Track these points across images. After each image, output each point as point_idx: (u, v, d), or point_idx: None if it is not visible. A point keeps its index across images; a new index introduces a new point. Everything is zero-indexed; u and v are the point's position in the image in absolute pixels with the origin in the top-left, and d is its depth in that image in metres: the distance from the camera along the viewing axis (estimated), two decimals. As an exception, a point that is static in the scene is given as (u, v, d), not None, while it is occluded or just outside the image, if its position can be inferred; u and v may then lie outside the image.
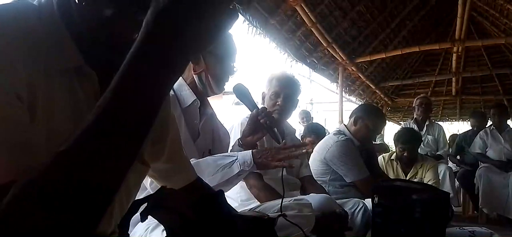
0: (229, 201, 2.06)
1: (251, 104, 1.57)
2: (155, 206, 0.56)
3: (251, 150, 1.46)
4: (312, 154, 2.72)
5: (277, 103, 2.07)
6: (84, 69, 0.68)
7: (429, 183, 3.14)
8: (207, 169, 1.42)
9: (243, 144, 1.58)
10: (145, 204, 0.56)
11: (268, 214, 0.91)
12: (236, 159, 1.44)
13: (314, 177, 2.48)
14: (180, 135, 1.07)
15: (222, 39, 1.54)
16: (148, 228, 1.31)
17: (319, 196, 1.79)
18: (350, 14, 4.94)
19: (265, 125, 1.52)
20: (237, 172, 1.43)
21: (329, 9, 4.58)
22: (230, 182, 1.47)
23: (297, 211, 1.44)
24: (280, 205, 1.58)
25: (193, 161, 1.36)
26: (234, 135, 1.87)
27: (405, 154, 3.38)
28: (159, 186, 0.62)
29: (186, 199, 0.61)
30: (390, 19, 5.56)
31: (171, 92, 1.53)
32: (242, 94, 1.57)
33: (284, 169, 2.10)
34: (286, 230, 1.23)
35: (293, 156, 1.50)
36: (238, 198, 2.06)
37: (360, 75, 6.25)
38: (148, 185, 1.22)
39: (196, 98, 1.55)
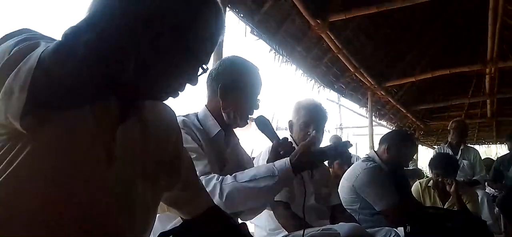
0: (257, 230, 2.08)
1: (272, 135, 1.59)
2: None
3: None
4: (341, 182, 2.68)
5: (308, 133, 2.08)
6: (108, 102, 0.75)
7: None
8: (244, 181, 1.44)
9: None
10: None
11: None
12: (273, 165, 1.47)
13: (345, 206, 2.44)
14: (194, 164, 1.11)
15: (251, 73, 1.61)
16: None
17: (348, 225, 1.75)
18: (376, 39, 4.91)
19: (286, 156, 1.52)
20: (276, 180, 1.44)
21: (354, 34, 4.58)
22: (268, 192, 1.48)
23: (324, 240, 1.41)
24: (309, 234, 1.57)
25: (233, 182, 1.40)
26: (262, 162, 1.88)
27: (440, 180, 3.25)
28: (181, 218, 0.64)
29: (210, 231, 0.62)
30: (417, 41, 5.48)
31: (197, 123, 1.57)
32: (264, 126, 1.59)
33: (314, 197, 2.10)
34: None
35: None
36: (266, 227, 2.05)
37: (390, 100, 6.16)
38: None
39: (221, 128, 1.58)
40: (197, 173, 1.37)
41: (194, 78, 0.85)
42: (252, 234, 2.17)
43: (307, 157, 1.48)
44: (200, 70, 0.86)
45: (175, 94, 0.85)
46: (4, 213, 0.68)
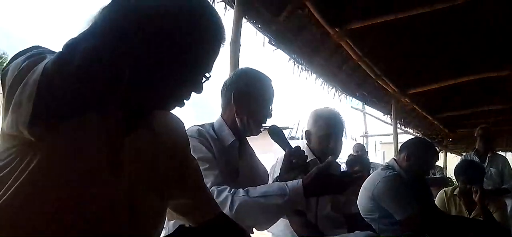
0: (274, 238, 2.08)
1: (284, 144, 1.60)
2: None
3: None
4: (360, 191, 2.65)
5: (329, 146, 2.08)
6: (115, 112, 0.79)
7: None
8: (255, 196, 1.46)
9: (280, 182, 1.59)
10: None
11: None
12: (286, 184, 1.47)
13: (363, 215, 2.41)
14: (202, 173, 1.13)
15: (264, 83, 1.64)
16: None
17: (363, 234, 1.74)
18: (398, 45, 4.83)
19: (297, 165, 1.53)
20: (286, 199, 1.44)
21: (375, 41, 4.51)
22: (277, 210, 1.50)
23: (339, 249, 1.40)
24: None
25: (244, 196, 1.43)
26: (277, 171, 1.89)
27: (467, 188, 3.14)
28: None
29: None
30: (443, 48, 5.35)
31: (212, 133, 1.61)
32: (276, 135, 1.61)
33: (330, 205, 2.09)
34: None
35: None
36: (283, 236, 2.05)
37: (415, 107, 6.03)
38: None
39: (235, 138, 1.62)
40: (209, 183, 1.41)
41: (199, 86, 0.87)
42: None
43: (322, 182, 1.46)
44: (204, 79, 0.88)
45: (180, 103, 0.87)
46: (17, 219, 0.72)
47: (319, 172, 1.45)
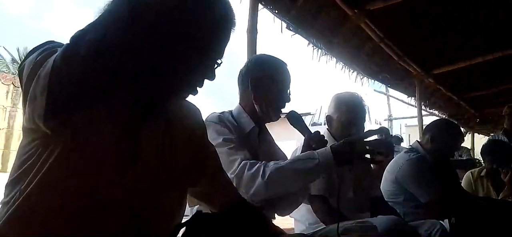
0: (297, 224, 2.09)
1: (304, 129, 1.60)
2: (193, 230, 0.60)
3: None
4: (384, 174, 2.61)
5: (351, 131, 2.06)
6: (130, 102, 0.80)
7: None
8: (286, 162, 1.51)
9: None
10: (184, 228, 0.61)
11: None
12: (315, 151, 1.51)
13: (387, 198, 2.38)
14: (219, 159, 1.14)
15: (280, 67, 1.63)
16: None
17: (386, 218, 1.71)
18: (421, 24, 4.68)
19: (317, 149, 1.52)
20: (316, 162, 1.47)
21: (396, 21, 4.39)
22: (308, 173, 1.52)
23: (360, 234, 1.39)
24: (343, 227, 1.55)
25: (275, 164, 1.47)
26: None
27: (495, 167, 3.05)
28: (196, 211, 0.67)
29: (224, 222, 0.65)
30: (467, 25, 5.15)
31: (232, 120, 1.61)
32: (295, 121, 1.62)
33: (352, 190, 2.07)
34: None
35: None
36: (305, 221, 2.05)
37: (440, 87, 5.87)
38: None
39: (254, 125, 1.62)
40: (239, 159, 1.43)
41: (211, 73, 0.87)
42: (292, 229, 2.19)
43: (349, 148, 1.49)
44: (216, 64, 0.87)
45: (194, 91, 0.88)
46: (39, 208, 0.75)
47: (347, 140, 1.51)
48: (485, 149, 3.21)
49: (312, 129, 1.65)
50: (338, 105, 2.12)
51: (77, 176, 0.76)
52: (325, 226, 1.86)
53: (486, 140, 6.70)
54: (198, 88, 0.88)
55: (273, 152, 1.72)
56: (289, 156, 1.83)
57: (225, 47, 0.88)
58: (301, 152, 1.60)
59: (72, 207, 0.76)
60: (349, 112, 2.08)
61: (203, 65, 0.85)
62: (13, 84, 9.45)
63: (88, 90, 0.67)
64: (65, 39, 0.77)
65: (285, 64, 1.68)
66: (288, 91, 1.66)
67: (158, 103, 0.89)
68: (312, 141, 1.56)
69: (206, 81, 0.88)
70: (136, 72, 0.71)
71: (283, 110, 1.68)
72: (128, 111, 0.82)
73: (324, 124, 2.20)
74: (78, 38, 0.65)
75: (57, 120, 0.69)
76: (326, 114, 2.21)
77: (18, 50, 14.74)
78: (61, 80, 0.64)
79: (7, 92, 9.48)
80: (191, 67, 0.84)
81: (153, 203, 0.85)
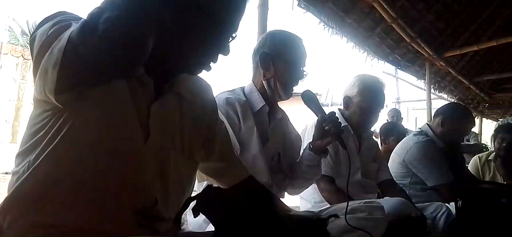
0: (302, 202, 2.10)
1: (318, 110, 1.53)
2: (203, 204, 0.62)
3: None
4: (391, 156, 2.61)
5: (369, 118, 2.07)
6: (143, 78, 0.79)
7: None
8: None
9: (313, 147, 1.58)
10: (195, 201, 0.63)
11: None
12: None
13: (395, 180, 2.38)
14: (230, 137, 1.15)
15: (291, 43, 1.58)
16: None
17: (394, 200, 1.72)
18: (435, 6, 4.60)
19: (331, 131, 1.48)
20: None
21: (410, 2, 4.32)
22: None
23: (367, 213, 1.39)
24: (351, 207, 1.56)
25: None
26: (307, 137, 1.87)
27: (504, 145, 2.98)
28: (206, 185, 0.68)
29: (232, 197, 0.66)
30: (482, 8, 5.05)
31: (243, 98, 1.59)
32: (310, 100, 1.53)
33: (360, 172, 2.07)
34: (352, 234, 1.21)
35: None
36: (311, 200, 2.07)
37: (450, 70, 5.79)
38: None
39: (265, 103, 1.59)
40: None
41: (226, 48, 0.87)
42: (297, 207, 2.21)
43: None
44: (231, 38, 0.87)
45: (208, 67, 0.88)
46: (52, 178, 0.76)
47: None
48: (497, 130, 3.16)
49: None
50: (362, 90, 2.04)
51: (89, 150, 0.76)
52: (330, 205, 1.87)
53: (495, 125, 6.63)
54: (212, 64, 0.88)
55: (285, 131, 1.71)
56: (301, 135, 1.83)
57: (240, 19, 0.88)
58: (314, 133, 1.55)
59: (82, 181, 0.77)
60: (372, 100, 2.03)
61: (217, 38, 0.85)
62: (23, 56, 9.49)
63: (104, 67, 0.67)
64: (76, 10, 0.77)
65: (300, 39, 1.62)
66: (302, 68, 1.59)
67: (170, 78, 0.89)
68: (326, 122, 1.48)
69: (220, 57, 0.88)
70: (154, 48, 0.71)
71: (298, 89, 1.62)
72: (142, 87, 0.82)
73: (332, 105, 2.18)
74: (95, 15, 0.64)
75: (67, 95, 0.70)
76: (345, 95, 2.13)
77: (27, 22, 14.72)
78: (76, 56, 0.64)
79: (17, 64, 9.53)
80: (206, 39, 0.83)
81: (164, 178, 0.86)
